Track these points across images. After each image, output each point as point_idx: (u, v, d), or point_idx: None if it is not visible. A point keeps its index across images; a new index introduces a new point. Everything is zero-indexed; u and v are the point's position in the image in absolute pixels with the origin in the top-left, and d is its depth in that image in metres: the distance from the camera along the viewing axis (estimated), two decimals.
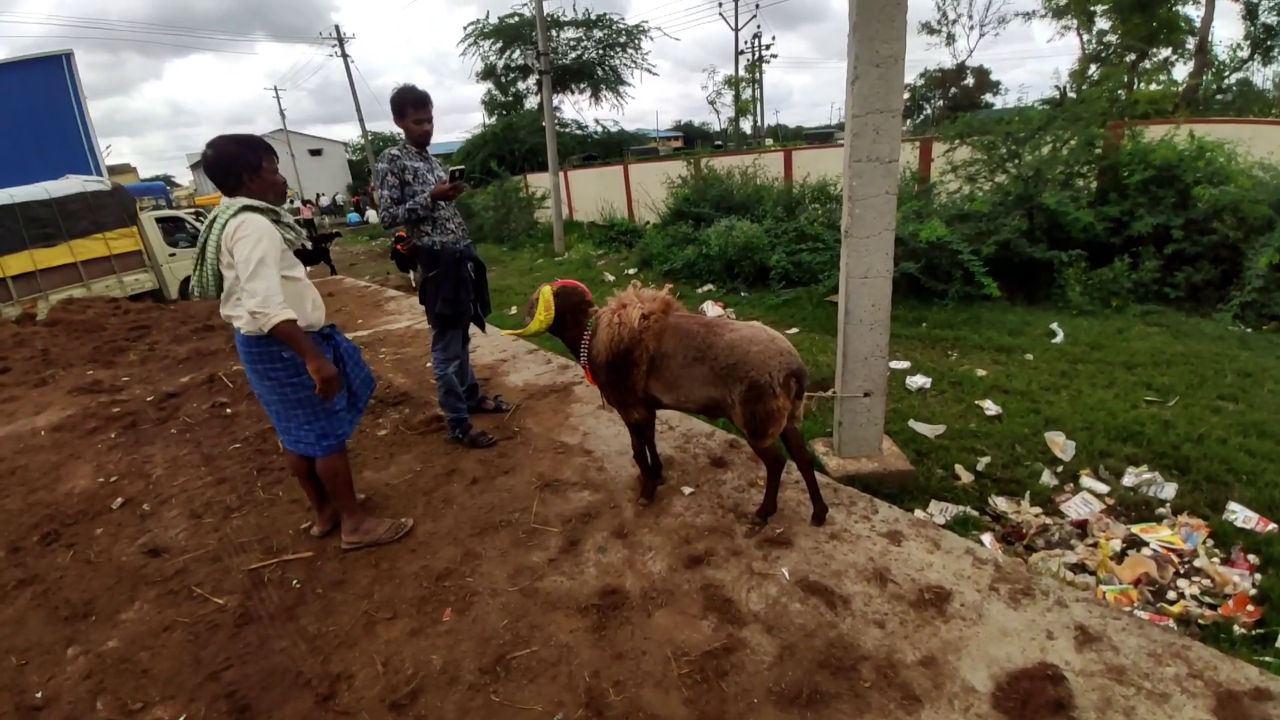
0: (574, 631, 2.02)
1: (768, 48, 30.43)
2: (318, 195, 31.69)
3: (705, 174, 10.60)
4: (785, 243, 7.29)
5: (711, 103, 38.02)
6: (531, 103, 22.37)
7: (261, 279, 2.01)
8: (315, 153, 39.18)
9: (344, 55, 24.81)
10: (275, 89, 43.82)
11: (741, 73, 31.35)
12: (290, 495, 2.93)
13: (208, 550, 2.58)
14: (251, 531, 2.67)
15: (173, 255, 9.79)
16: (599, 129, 22.54)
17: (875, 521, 2.46)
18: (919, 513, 2.67)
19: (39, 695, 1.96)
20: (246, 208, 2.09)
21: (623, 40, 21.17)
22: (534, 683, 1.84)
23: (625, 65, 21.65)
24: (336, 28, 25.15)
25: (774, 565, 2.26)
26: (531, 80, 22.02)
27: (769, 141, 29.94)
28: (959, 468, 3.03)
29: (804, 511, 2.54)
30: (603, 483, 2.86)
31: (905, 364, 4.34)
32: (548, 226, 13.61)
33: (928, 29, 30.33)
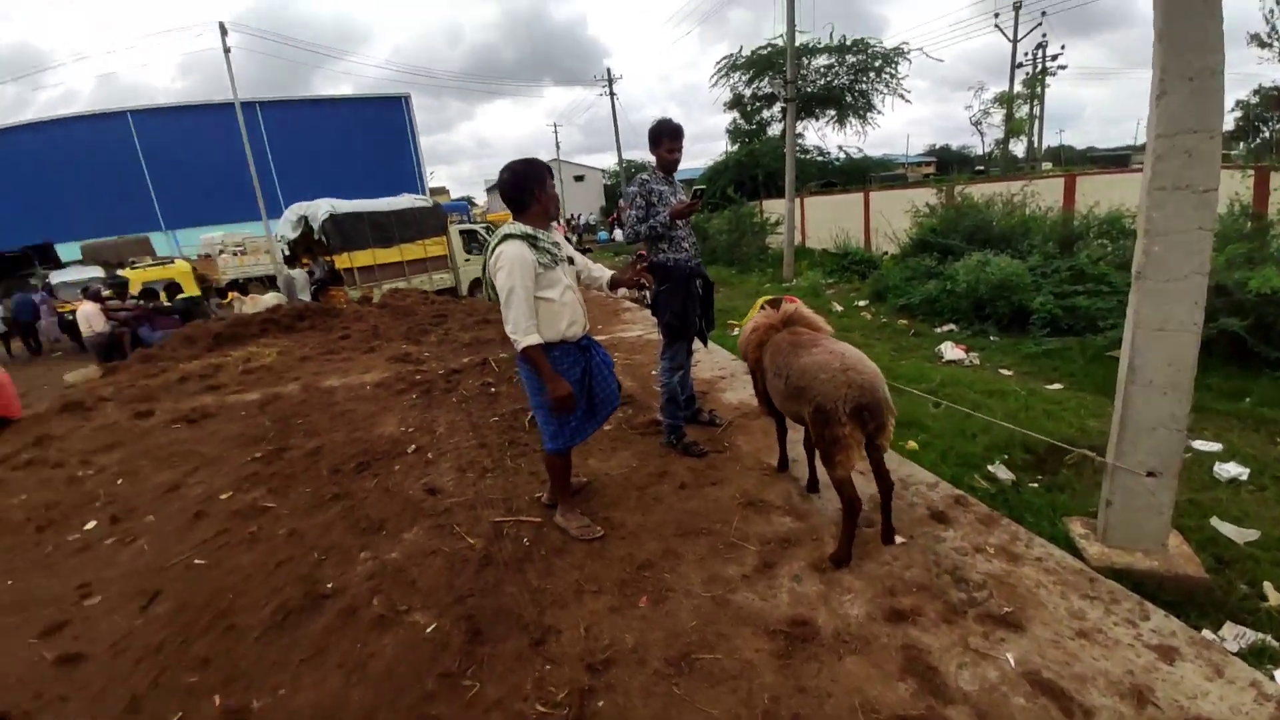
0: (759, 651, 2.03)
1: (1054, 58, 26.28)
2: (574, 215, 36.02)
3: (959, 202, 9.64)
4: (1055, 283, 6.31)
5: (976, 124, 34.09)
6: (774, 130, 22.61)
7: (512, 307, 2.34)
8: (578, 178, 44.69)
9: (611, 94, 27.90)
10: (554, 125, 51.06)
11: (1018, 88, 27.70)
12: (530, 468, 3.41)
13: (466, 499, 3.14)
14: (499, 491, 3.19)
15: (467, 260, 12.02)
16: (841, 155, 21.88)
17: (1143, 629, 2.03)
18: (1206, 632, 2.12)
19: (329, 586, 2.54)
20: (507, 237, 2.40)
21: (877, 65, 20.28)
22: (714, 688, 1.90)
23: (876, 91, 20.70)
24: (608, 70, 28.48)
25: (997, 646, 1.99)
26: (776, 108, 22.29)
27: (1047, 165, 25.93)
28: (1269, 586, 2.34)
29: (1042, 594, 2.21)
30: (806, 512, 2.81)
31: (1214, 446, 3.46)
32: (778, 252, 13.62)
33: (1257, 41, 23.25)
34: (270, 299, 9.91)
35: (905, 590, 2.27)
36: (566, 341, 2.56)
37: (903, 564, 2.43)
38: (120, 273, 11.34)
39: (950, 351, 5.97)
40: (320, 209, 10.27)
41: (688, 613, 2.23)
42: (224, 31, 16.19)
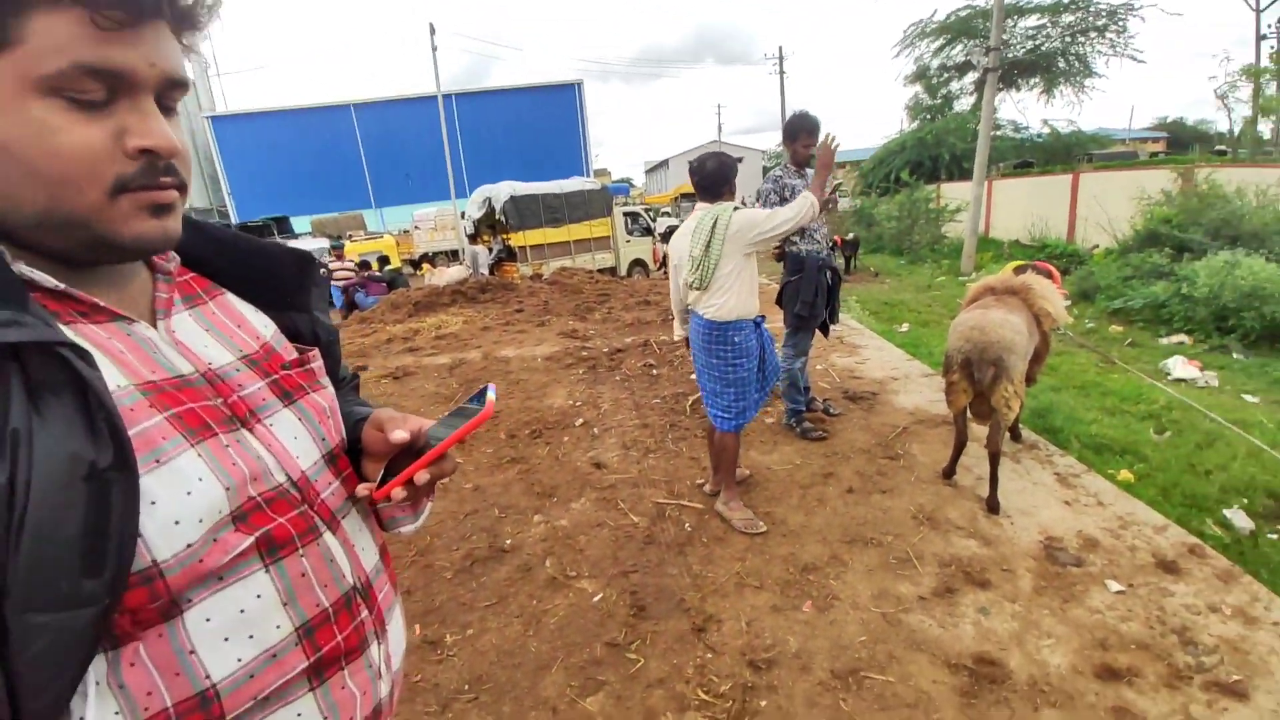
0: (937, 683, 1.89)
1: None
2: None
3: (1204, 190, 8.02)
4: None
5: (1222, 97, 27.70)
6: (963, 104, 20.35)
7: (784, 209, 2.54)
8: (737, 159, 43.94)
9: (781, 73, 26.88)
10: (718, 107, 50.57)
11: (1265, 62, 21.85)
12: (691, 453, 3.47)
13: (630, 476, 3.27)
14: (661, 473, 3.28)
15: (628, 241, 12.42)
16: (1045, 130, 19.09)
17: None
18: None
19: (508, 542, 2.79)
20: (736, 209, 2.57)
21: (1100, 23, 17.19)
22: (885, 712, 1.81)
23: (1099, 53, 17.59)
24: (779, 48, 27.45)
25: (1219, 716, 1.70)
26: (968, 79, 19.97)
27: None
28: None
29: (1274, 663, 1.84)
30: (996, 538, 2.54)
31: None
32: (955, 242, 12.37)
33: None
34: (455, 272, 11.04)
35: (1121, 646, 1.99)
36: (747, 315, 2.63)
37: (1119, 615, 2.12)
38: (343, 244, 13.32)
39: (1180, 368, 5.04)
40: (503, 191, 11.18)
41: (855, 626, 2.14)
42: (432, 31, 18.05)
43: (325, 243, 14.42)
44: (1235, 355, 5.43)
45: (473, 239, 12.71)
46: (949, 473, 2.97)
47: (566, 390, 4.60)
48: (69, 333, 0.48)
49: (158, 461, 0.49)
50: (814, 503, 2.89)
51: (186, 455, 0.51)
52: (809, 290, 3.37)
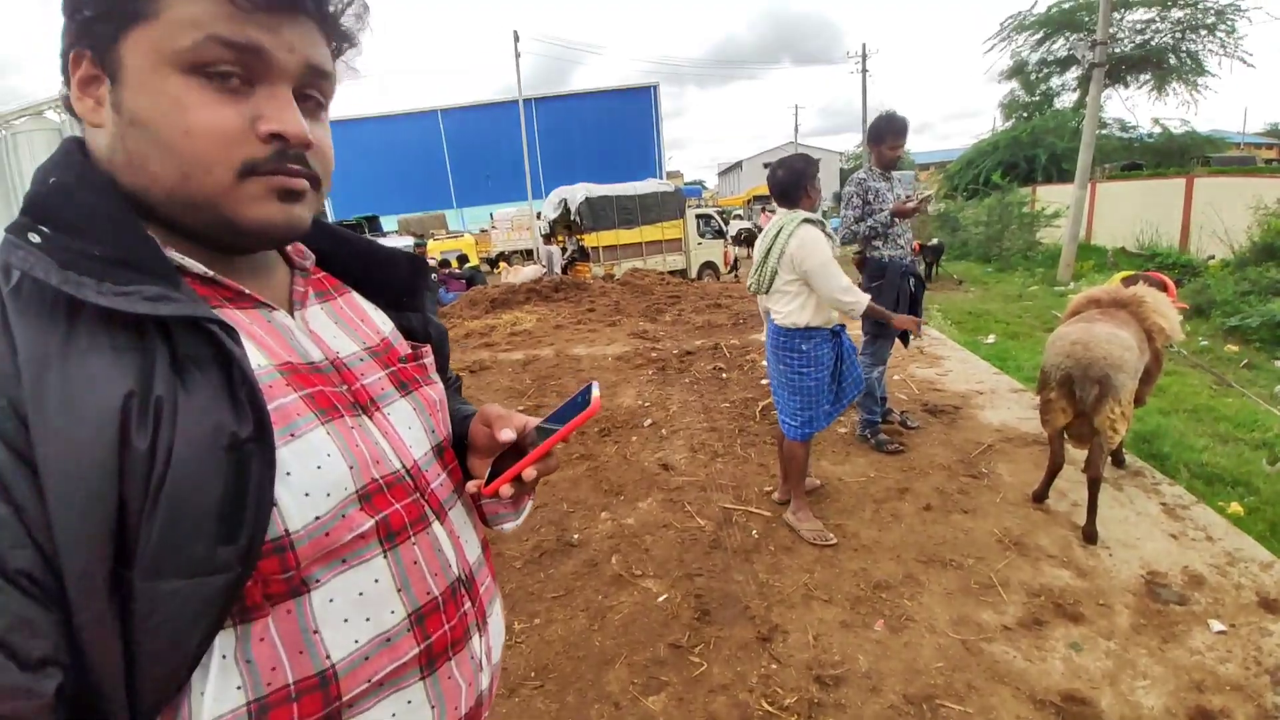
0: (1020, 719, 1.78)
1: None
2: None
3: None
4: None
5: None
6: (1063, 102, 18.98)
7: (834, 276, 2.41)
8: (815, 161, 42.77)
9: (864, 71, 25.99)
10: (795, 107, 49.59)
11: None
12: (759, 459, 3.42)
13: (698, 480, 3.26)
14: (728, 477, 3.25)
15: (699, 244, 12.38)
16: (1156, 130, 17.52)
17: None
18: None
19: (575, 537, 2.84)
20: (806, 220, 2.47)
21: (1210, 21, 15.65)
22: None
23: (1210, 52, 16.02)
24: (863, 46, 26.49)
25: None
26: (1070, 75, 18.62)
27: None
28: None
29: None
30: (1092, 570, 2.36)
31: None
32: (1051, 249, 11.56)
33: None
34: (531, 271, 11.36)
35: (1217, 688, 1.82)
36: (826, 325, 2.56)
37: (1218, 656, 1.94)
38: (425, 242, 13.98)
39: None
40: (578, 193, 11.43)
41: (931, 650, 2.04)
42: (516, 39, 18.64)
43: (410, 240, 15.18)
44: None
45: (547, 239, 13.05)
46: (1040, 496, 2.79)
47: (636, 390, 4.64)
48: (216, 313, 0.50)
49: (292, 435, 0.52)
50: (888, 518, 2.79)
51: (317, 432, 0.53)
52: (890, 297, 3.25)
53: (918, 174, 30.72)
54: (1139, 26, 16.73)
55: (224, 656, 0.49)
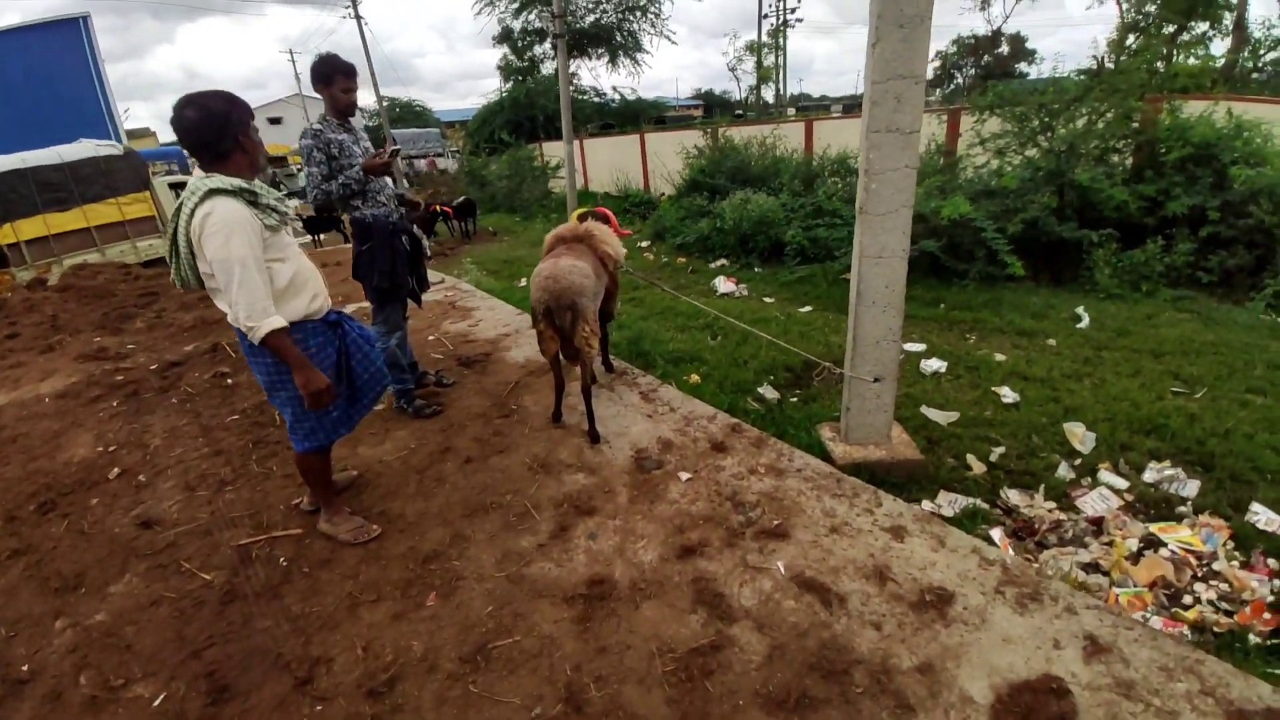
0: (558, 622, 1.96)
1: (793, 11, 29.29)
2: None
3: (722, 145, 10.29)
4: (801, 218, 7.06)
5: (732, 70, 36.76)
6: (548, 68, 21.88)
7: (244, 287, 1.84)
8: (273, 120, 38.64)
9: (357, 17, 24.39)
10: (290, 53, 43.37)
11: (764, 38, 30.29)
12: (284, 470, 2.90)
13: (199, 524, 2.56)
14: (243, 506, 2.65)
15: None
16: (616, 97, 22.05)
17: (878, 515, 2.36)
18: (926, 504, 2.56)
19: (25, 669, 1.96)
20: (212, 193, 1.85)
21: (642, 3, 20.50)
22: (514, 674, 1.80)
23: (644, 31, 21.04)
24: None
25: (770, 559, 2.17)
26: (548, 44, 21.49)
27: (790, 111, 29.02)
28: (971, 458, 2.91)
29: (803, 501, 2.46)
30: (599, 465, 2.79)
31: (920, 346, 4.19)
32: (562, 196, 13.40)
33: None
34: None
35: (693, 525, 2.37)
36: (311, 320, 2.11)
37: (689, 499, 2.53)
38: None
39: (723, 285, 6.42)
40: None
41: (481, 600, 2.07)
42: None
43: None
44: (756, 269, 7.18)
45: None
46: (557, 416, 3.15)
47: (93, 434, 3.37)
48: None
49: None
50: (433, 484, 2.72)
51: None
52: (384, 259, 3.03)
53: (444, 131, 31.33)
54: (590, 6, 20.29)
55: None
